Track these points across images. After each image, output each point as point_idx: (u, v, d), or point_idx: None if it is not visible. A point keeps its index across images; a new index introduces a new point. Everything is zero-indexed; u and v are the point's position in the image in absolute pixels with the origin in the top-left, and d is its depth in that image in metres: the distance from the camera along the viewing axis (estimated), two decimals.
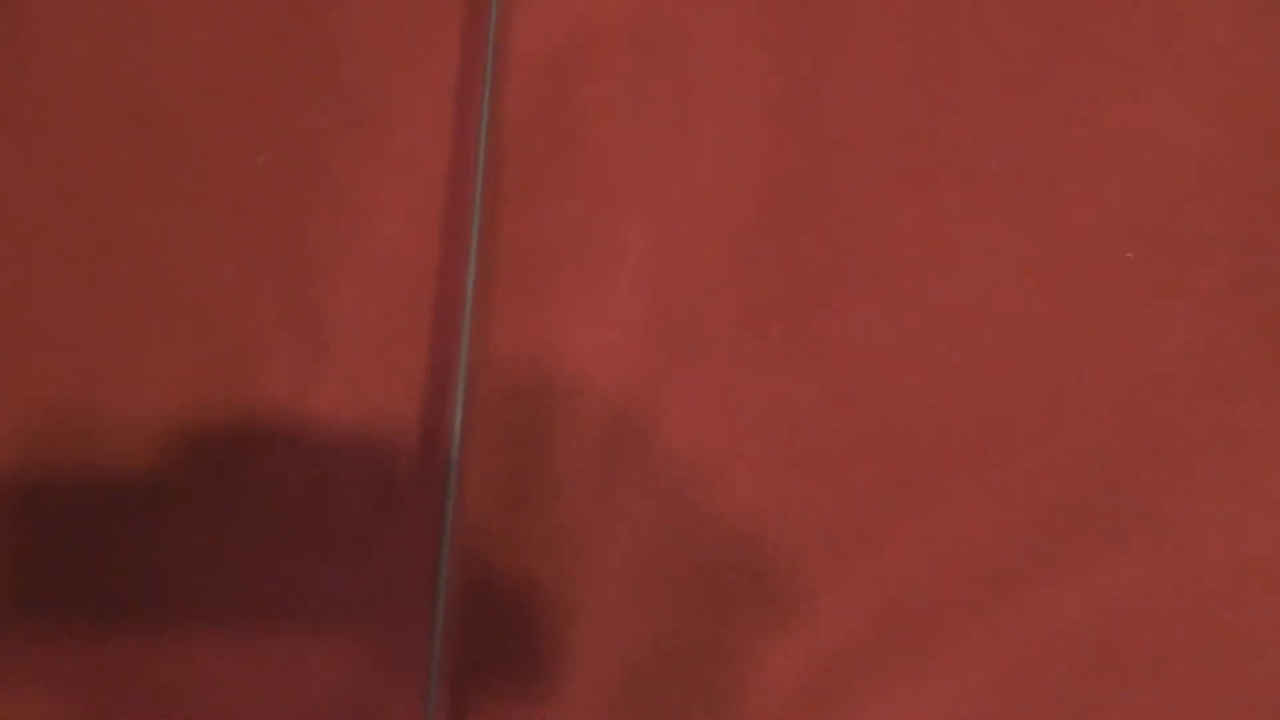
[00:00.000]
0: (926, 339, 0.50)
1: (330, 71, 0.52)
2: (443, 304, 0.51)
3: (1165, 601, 0.48)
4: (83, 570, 0.48)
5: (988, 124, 0.52)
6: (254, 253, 0.51)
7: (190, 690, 0.47)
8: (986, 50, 0.53)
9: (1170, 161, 0.52)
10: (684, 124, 0.52)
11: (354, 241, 0.51)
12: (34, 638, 0.48)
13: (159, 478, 0.49)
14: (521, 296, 0.51)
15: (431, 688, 0.47)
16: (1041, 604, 0.48)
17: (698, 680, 0.48)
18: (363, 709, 0.47)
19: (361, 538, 0.49)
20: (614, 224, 0.52)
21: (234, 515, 0.49)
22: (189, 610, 0.48)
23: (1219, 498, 0.49)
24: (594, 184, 0.52)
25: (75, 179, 0.52)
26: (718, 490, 0.49)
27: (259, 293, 0.51)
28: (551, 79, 0.53)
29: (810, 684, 0.48)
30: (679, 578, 0.49)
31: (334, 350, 0.50)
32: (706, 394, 0.50)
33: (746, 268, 0.51)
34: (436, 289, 0.51)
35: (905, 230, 0.51)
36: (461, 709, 0.48)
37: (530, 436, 0.49)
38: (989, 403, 0.50)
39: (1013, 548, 0.49)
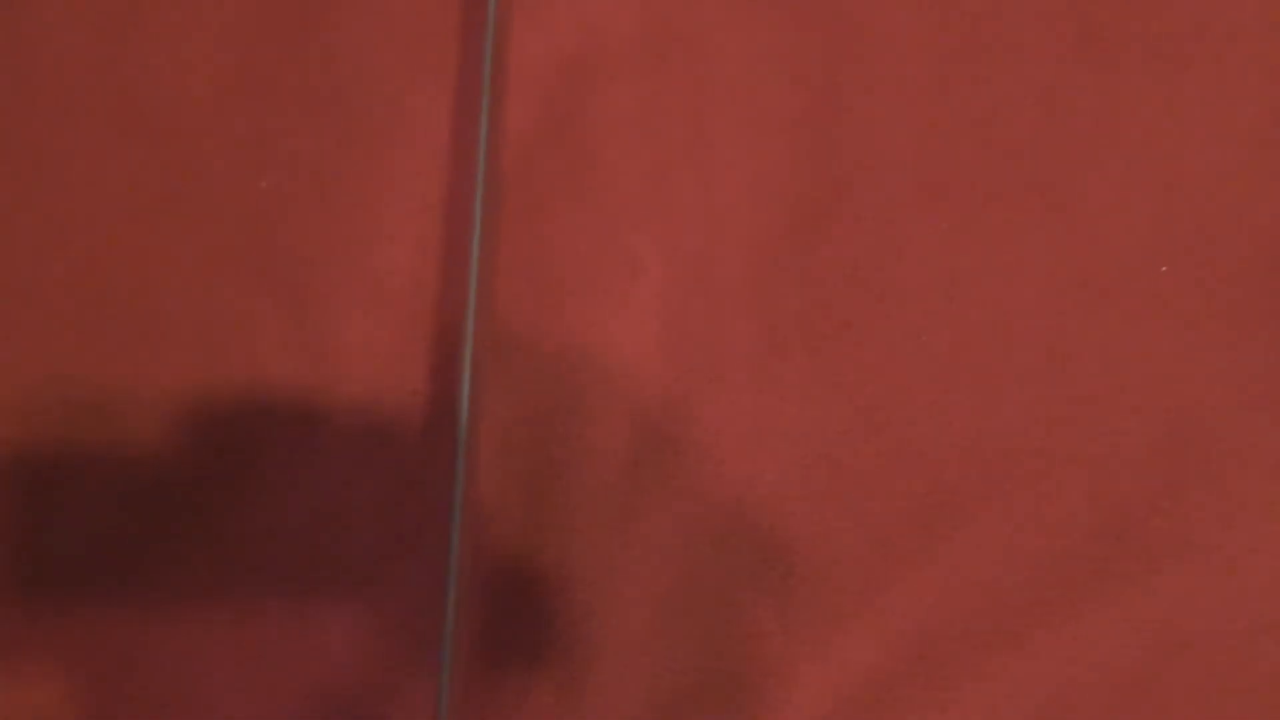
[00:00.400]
0: (954, 360, 0.49)
1: (331, 91, 0.51)
2: (449, 327, 0.49)
3: (1206, 631, 0.46)
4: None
5: (1015, 137, 0.51)
6: (257, 277, 0.50)
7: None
8: (1013, 61, 0.51)
9: (1205, 173, 0.50)
10: (700, 139, 0.51)
11: (358, 265, 0.50)
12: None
13: (165, 493, 0.48)
14: (534, 319, 0.49)
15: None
16: (1077, 635, 0.46)
17: (721, 714, 0.46)
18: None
19: (370, 569, 0.47)
20: (629, 243, 0.50)
21: (239, 547, 0.48)
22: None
23: (1259, 521, 0.47)
24: (607, 202, 0.50)
25: (75, 203, 0.50)
26: (740, 518, 0.48)
27: (263, 318, 0.49)
28: (562, 93, 0.51)
29: (836, 717, 0.46)
30: (701, 610, 0.47)
31: (340, 375, 0.49)
32: (727, 419, 0.48)
33: (767, 288, 0.49)
34: (442, 311, 0.49)
35: (931, 248, 0.50)
36: None
37: (546, 466, 0.48)
38: (1020, 426, 0.48)
39: (1046, 576, 0.47)
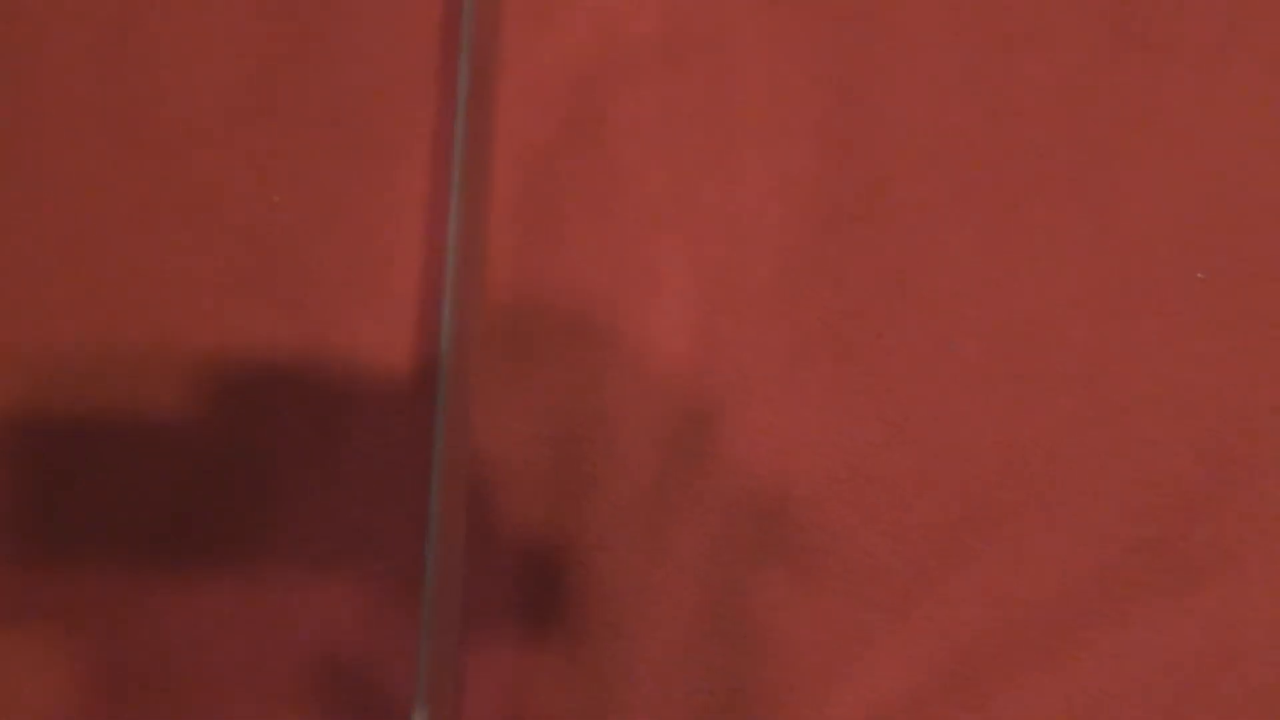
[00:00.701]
0: (987, 369, 0.48)
1: (339, 107, 0.50)
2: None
3: (1248, 644, 0.45)
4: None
5: (1046, 135, 0.49)
6: (269, 291, 0.48)
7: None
8: (1043, 56, 0.50)
9: (1242, 171, 0.49)
10: (723, 145, 0.50)
11: (372, 283, 0.48)
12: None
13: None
14: (558, 333, 0.48)
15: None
16: (1116, 650, 0.46)
17: None
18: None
19: (392, 586, 0.47)
20: (653, 253, 0.49)
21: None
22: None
23: None
24: (630, 211, 0.49)
25: (88, 219, 0.49)
26: (771, 534, 0.47)
27: (276, 331, 0.48)
28: (581, 100, 0.50)
29: None
30: (731, 627, 0.46)
31: (354, 395, 0.48)
32: (757, 432, 0.47)
33: (794, 296, 0.48)
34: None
35: (962, 252, 0.48)
36: None
37: (573, 483, 0.47)
38: (1055, 436, 0.47)
39: (1084, 590, 0.46)
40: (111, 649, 0.46)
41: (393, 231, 0.49)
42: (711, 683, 0.46)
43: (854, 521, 0.47)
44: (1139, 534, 0.46)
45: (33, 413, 0.48)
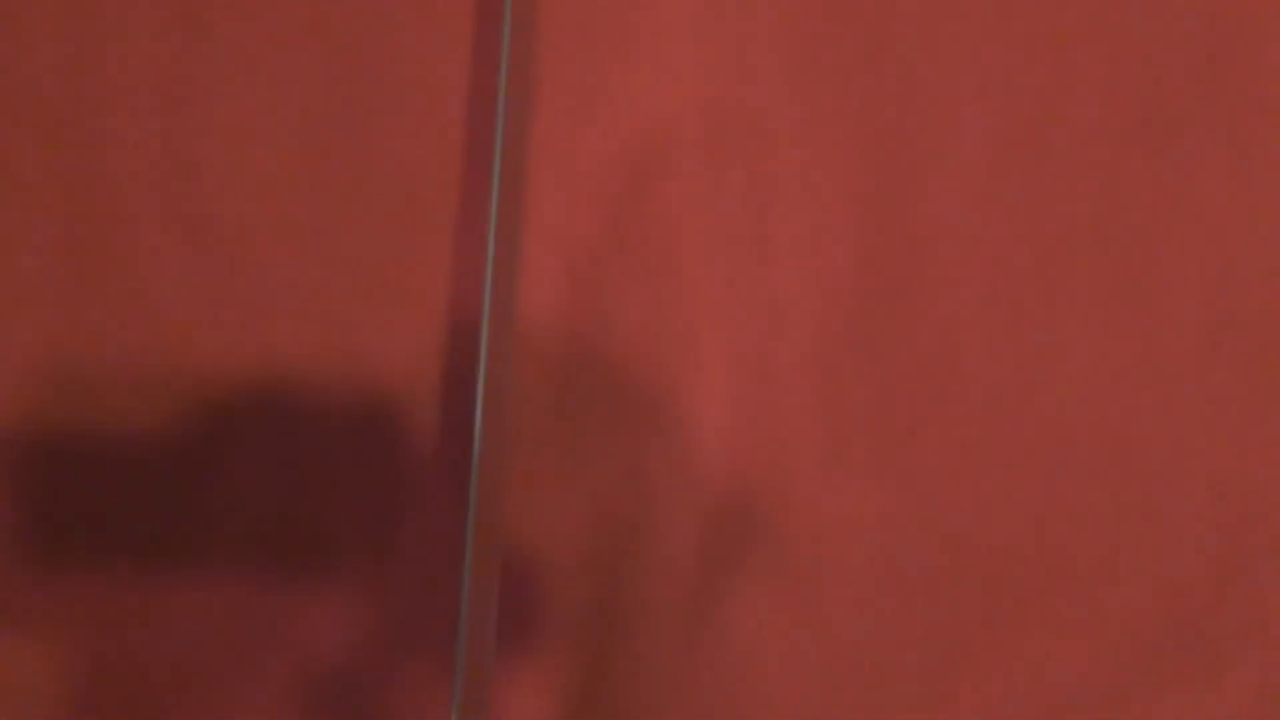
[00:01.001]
0: (1023, 456, 0.48)
1: (391, 186, 0.50)
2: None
3: None
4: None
5: (1082, 221, 0.50)
6: (324, 378, 0.49)
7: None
8: (1078, 140, 0.51)
9: (1272, 256, 0.50)
10: (762, 228, 0.50)
11: (437, 383, 0.49)
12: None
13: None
14: (595, 417, 0.49)
15: None
16: None
17: None
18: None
19: (424, 666, 0.47)
20: (690, 338, 0.49)
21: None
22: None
23: None
24: (668, 295, 0.50)
25: (135, 299, 0.49)
26: (807, 618, 0.48)
27: (331, 420, 0.49)
28: (622, 184, 0.51)
29: None
30: (769, 712, 0.47)
31: (411, 482, 0.49)
32: (791, 517, 0.48)
33: (831, 383, 0.49)
34: None
35: (999, 341, 0.49)
36: None
37: (614, 564, 0.48)
38: (1090, 522, 0.48)
39: (1121, 672, 0.47)
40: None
41: (454, 316, 0.50)
42: None
43: (889, 607, 0.48)
44: (1173, 615, 0.47)
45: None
